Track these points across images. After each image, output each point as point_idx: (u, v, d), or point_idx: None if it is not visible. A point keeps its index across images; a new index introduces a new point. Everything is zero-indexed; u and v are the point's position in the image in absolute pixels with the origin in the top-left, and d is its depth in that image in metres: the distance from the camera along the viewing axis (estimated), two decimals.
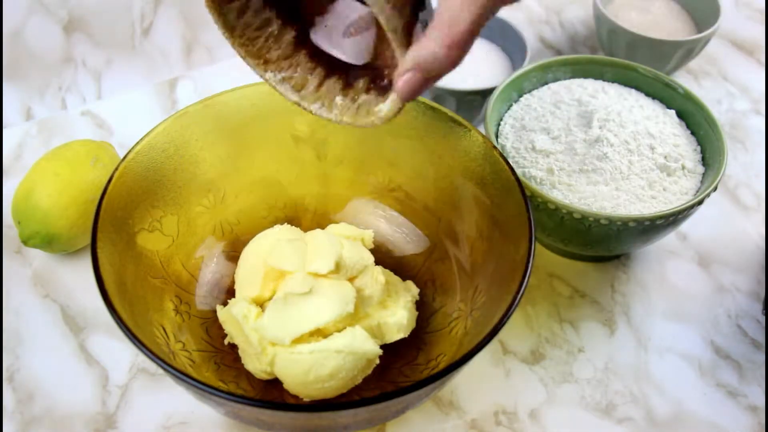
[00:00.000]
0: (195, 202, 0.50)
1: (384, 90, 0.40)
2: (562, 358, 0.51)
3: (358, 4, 0.41)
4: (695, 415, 0.49)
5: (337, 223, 0.52)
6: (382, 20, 0.33)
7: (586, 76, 0.58)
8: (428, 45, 0.34)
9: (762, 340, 0.53)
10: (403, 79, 0.35)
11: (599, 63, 0.58)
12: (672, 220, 0.48)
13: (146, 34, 0.68)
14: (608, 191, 0.50)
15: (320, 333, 0.44)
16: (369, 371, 0.45)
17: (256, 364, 0.44)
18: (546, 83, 0.58)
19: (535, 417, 0.48)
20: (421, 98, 0.49)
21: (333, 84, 0.41)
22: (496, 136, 0.54)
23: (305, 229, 0.50)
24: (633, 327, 0.53)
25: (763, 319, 0.54)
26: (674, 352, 0.52)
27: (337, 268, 0.45)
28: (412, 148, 0.50)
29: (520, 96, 0.57)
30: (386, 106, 0.38)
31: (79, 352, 0.50)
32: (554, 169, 0.51)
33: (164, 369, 0.35)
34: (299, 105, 0.41)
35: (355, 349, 0.43)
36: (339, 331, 0.44)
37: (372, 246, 0.50)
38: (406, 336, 0.47)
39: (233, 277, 0.49)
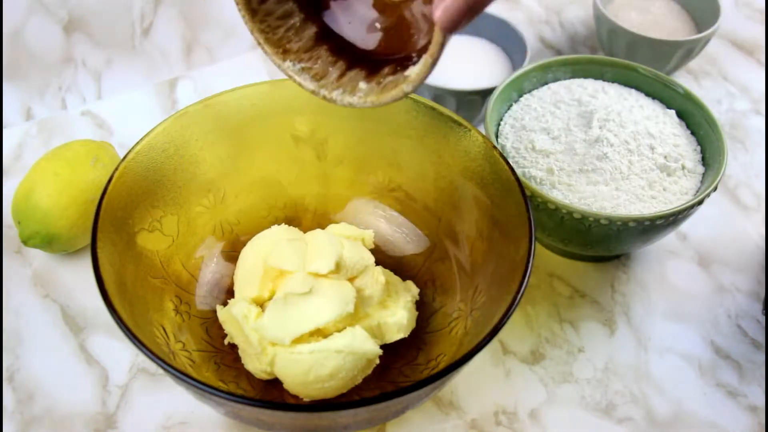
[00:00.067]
0: (195, 202, 0.50)
1: (411, 66, 0.38)
2: (562, 358, 0.51)
3: None
4: (695, 415, 0.49)
5: (337, 223, 0.52)
6: None
7: (586, 76, 0.58)
8: None
9: (762, 340, 0.53)
10: (442, 6, 0.31)
11: (599, 63, 0.58)
12: (672, 220, 0.48)
13: (146, 34, 0.68)
14: (608, 191, 0.50)
15: (320, 333, 0.44)
16: (369, 371, 0.45)
17: (256, 364, 0.44)
18: (546, 83, 0.58)
19: (535, 417, 0.48)
20: (421, 98, 0.49)
21: (356, 74, 0.40)
22: (496, 136, 0.54)
23: (305, 229, 0.50)
24: (633, 327, 0.53)
25: (763, 319, 0.54)
26: (674, 352, 0.52)
27: (338, 268, 0.45)
28: (412, 148, 0.51)
29: (520, 96, 0.57)
30: (416, 68, 0.36)
31: (79, 352, 0.50)
32: (554, 169, 0.51)
33: (164, 369, 0.35)
34: (316, 94, 0.39)
35: (355, 349, 0.43)
36: (339, 331, 0.44)
37: (372, 246, 0.50)
38: (406, 336, 0.47)
39: (233, 277, 0.49)
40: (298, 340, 0.43)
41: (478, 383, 0.49)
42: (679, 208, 0.48)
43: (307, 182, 0.54)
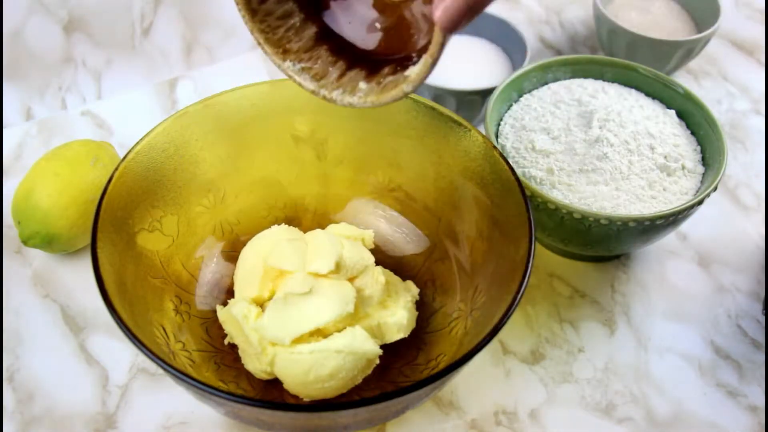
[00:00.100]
0: (195, 202, 0.50)
1: (411, 66, 0.38)
2: (562, 358, 0.51)
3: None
4: (695, 415, 0.49)
5: (337, 223, 0.52)
6: None
7: (586, 76, 0.58)
8: None
9: (762, 340, 0.53)
10: (442, 6, 0.31)
11: (599, 63, 0.58)
12: (672, 220, 0.48)
13: (146, 34, 0.68)
14: (608, 191, 0.50)
15: (320, 333, 0.44)
16: (369, 371, 0.45)
17: (256, 364, 0.44)
18: (546, 83, 0.58)
19: (535, 417, 0.48)
20: (421, 98, 0.49)
21: (356, 74, 0.40)
22: (496, 136, 0.54)
23: (305, 229, 0.50)
24: (633, 327, 0.53)
25: (763, 319, 0.54)
26: (674, 352, 0.52)
27: (338, 268, 0.45)
28: (412, 148, 0.51)
29: (520, 96, 0.57)
30: (416, 68, 0.36)
31: (79, 352, 0.50)
32: (554, 169, 0.51)
33: (164, 369, 0.35)
34: (316, 94, 0.39)
35: (355, 349, 0.43)
36: (339, 331, 0.44)
37: (372, 246, 0.50)
38: (406, 336, 0.47)
39: (233, 277, 0.49)
40: (298, 340, 0.43)
41: (478, 383, 0.49)
42: (679, 208, 0.48)
43: (307, 182, 0.54)
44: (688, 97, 0.55)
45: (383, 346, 0.45)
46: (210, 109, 0.49)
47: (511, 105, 0.56)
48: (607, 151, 0.50)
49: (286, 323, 0.43)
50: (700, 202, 0.49)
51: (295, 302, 0.44)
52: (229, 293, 0.50)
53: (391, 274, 0.50)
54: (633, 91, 0.57)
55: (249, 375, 0.45)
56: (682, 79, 0.73)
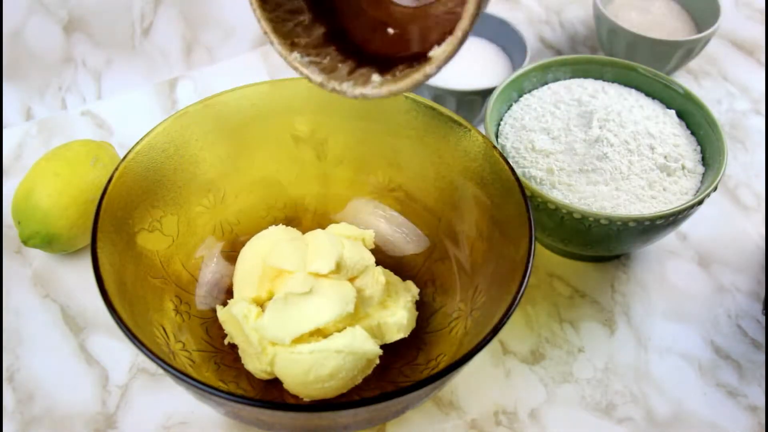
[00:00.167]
0: (195, 202, 0.50)
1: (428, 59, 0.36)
2: (562, 358, 0.51)
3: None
4: (695, 415, 0.49)
5: (337, 223, 0.52)
6: None
7: (586, 76, 0.58)
8: None
9: (762, 340, 0.53)
10: None
11: (599, 63, 0.58)
12: (672, 220, 0.48)
13: (146, 34, 0.68)
14: (608, 191, 0.50)
15: (320, 333, 0.44)
16: (369, 371, 0.45)
17: (256, 364, 0.44)
18: (546, 83, 0.58)
19: (535, 417, 0.48)
20: (421, 98, 0.49)
21: (367, 71, 0.38)
22: (496, 136, 0.54)
23: (305, 229, 0.50)
24: (633, 327, 0.53)
25: (763, 319, 0.54)
26: (674, 352, 0.52)
27: (338, 268, 0.45)
28: (412, 148, 0.51)
29: (520, 96, 0.57)
30: (443, 47, 0.33)
31: (79, 352, 0.50)
32: (554, 169, 0.51)
33: (164, 369, 0.35)
34: (324, 86, 0.37)
35: (355, 349, 0.43)
36: (339, 331, 0.44)
37: (372, 246, 0.50)
38: (406, 336, 0.47)
39: (233, 278, 0.49)
40: (298, 339, 0.43)
41: (478, 383, 0.49)
42: (679, 208, 0.48)
43: (307, 182, 0.54)
44: (688, 97, 0.55)
45: (383, 346, 0.45)
46: (210, 109, 0.49)
47: (511, 105, 0.56)
48: (607, 151, 0.50)
49: (286, 323, 0.43)
50: (700, 202, 0.49)
51: (296, 302, 0.44)
52: (229, 293, 0.50)
53: (391, 274, 0.50)
54: (633, 91, 0.57)
55: (249, 375, 0.45)
56: (682, 79, 0.73)
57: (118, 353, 0.49)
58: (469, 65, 0.64)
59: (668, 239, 0.58)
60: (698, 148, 0.54)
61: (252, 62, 0.72)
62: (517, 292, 0.39)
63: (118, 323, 0.37)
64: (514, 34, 0.65)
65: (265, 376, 0.45)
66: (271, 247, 0.47)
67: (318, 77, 0.37)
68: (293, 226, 0.53)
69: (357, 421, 0.38)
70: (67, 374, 0.49)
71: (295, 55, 0.38)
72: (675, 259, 0.58)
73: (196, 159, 0.49)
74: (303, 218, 0.54)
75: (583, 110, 0.53)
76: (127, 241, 0.44)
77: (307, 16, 0.39)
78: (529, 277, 0.40)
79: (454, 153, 0.48)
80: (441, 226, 0.51)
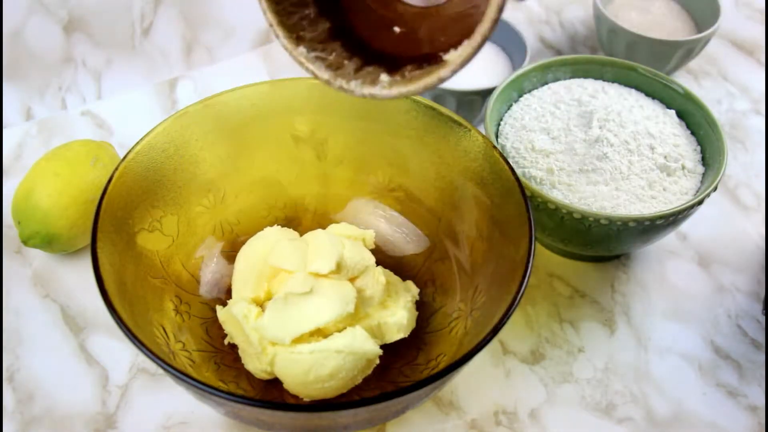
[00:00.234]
0: (195, 202, 0.50)
1: (442, 60, 0.35)
2: (562, 358, 0.51)
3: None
4: (695, 415, 0.49)
5: (337, 223, 0.52)
6: None
7: (586, 76, 0.58)
8: None
9: (762, 340, 0.53)
10: None
11: (599, 63, 0.58)
12: (672, 220, 0.48)
13: (146, 34, 0.68)
14: (608, 191, 0.50)
15: (320, 333, 0.44)
16: (369, 371, 0.45)
17: (256, 363, 0.44)
18: (546, 83, 0.58)
19: (535, 417, 0.48)
20: (421, 98, 0.49)
21: (374, 69, 0.37)
22: (496, 136, 0.54)
23: (305, 229, 0.50)
24: (633, 327, 0.53)
25: (763, 319, 0.54)
26: (674, 352, 0.52)
27: (338, 268, 0.45)
28: (412, 148, 0.51)
29: (520, 96, 0.57)
30: (459, 51, 0.33)
31: (79, 352, 0.50)
32: (554, 169, 0.51)
33: (164, 369, 0.35)
34: (331, 84, 0.36)
35: (355, 349, 0.43)
36: (339, 331, 0.44)
37: (373, 246, 0.50)
38: (406, 336, 0.47)
39: (232, 278, 0.49)
40: (299, 339, 0.43)
41: (478, 383, 0.49)
42: (679, 208, 0.48)
43: (307, 182, 0.54)
44: (688, 97, 0.55)
45: (383, 346, 0.45)
46: (210, 109, 0.49)
47: (511, 105, 0.56)
48: (607, 151, 0.50)
49: (286, 323, 0.43)
50: (700, 202, 0.49)
51: (296, 302, 0.44)
52: (229, 293, 0.50)
53: (391, 274, 0.50)
54: (633, 91, 0.57)
55: (249, 375, 0.45)
56: (682, 79, 0.73)
57: (118, 353, 0.49)
58: (469, 65, 0.64)
59: (668, 239, 0.58)
60: (698, 148, 0.54)
61: (252, 62, 0.72)
62: (517, 292, 0.39)
63: (118, 323, 0.37)
64: (514, 34, 0.65)
65: (265, 376, 0.45)
66: (269, 248, 0.47)
67: (324, 74, 0.36)
68: (293, 226, 0.53)
69: (357, 421, 0.38)
70: (67, 374, 0.49)
71: (302, 49, 0.37)
72: (675, 259, 0.58)
73: (196, 159, 0.49)
74: (303, 218, 0.54)
75: (583, 110, 0.53)
76: (127, 241, 0.44)
77: (312, 10, 0.38)
78: (529, 277, 0.40)
79: (454, 153, 0.48)
80: (441, 226, 0.51)
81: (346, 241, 0.47)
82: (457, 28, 0.38)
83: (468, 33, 0.35)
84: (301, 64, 0.37)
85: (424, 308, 0.49)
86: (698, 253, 0.58)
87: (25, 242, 0.51)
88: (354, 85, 0.35)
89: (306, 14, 0.38)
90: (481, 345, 0.37)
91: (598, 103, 0.53)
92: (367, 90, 0.35)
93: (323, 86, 0.38)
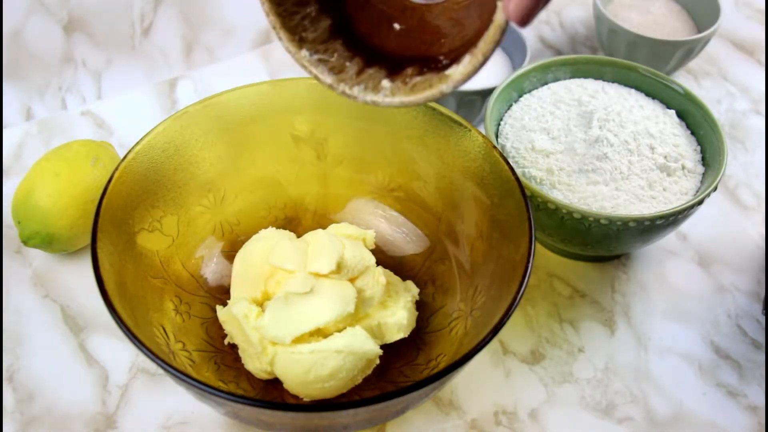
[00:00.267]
0: (195, 202, 0.50)
1: (445, 68, 0.36)
2: (562, 358, 0.51)
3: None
4: (695, 415, 0.49)
5: (337, 223, 0.52)
6: None
7: (586, 76, 0.58)
8: None
9: (762, 340, 0.53)
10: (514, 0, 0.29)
11: (599, 63, 0.58)
12: (672, 220, 0.48)
13: (146, 34, 0.68)
14: (608, 191, 0.50)
15: (320, 333, 0.44)
16: (369, 371, 0.45)
17: (256, 363, 0.44)
18: (546, 83, 0.58)
19: (535, 417, 0.48)
20: None
21: (375, 72, 0.37)
22: (496, 136, 0.54)
23: (305, 229, 0.50)
24: (633, 327, 0.53)
25: (763, 319, 0.54)
26: (674, 352, 0.52)
27: (339, 268, 0.45)
28: (412, 148, 0.51)
29: (520, 96, 0.57)
30: (462, 66, 0.34)
31: (79, 352, 0.50)
32: (554, 169, 0.51)
33: (164, 369, 0.35)
34: (334, 89, 0.37)
35: (355, 349, 0.43)
36: (339, 331, 0.44)
37: (373, 246, 0.50)
38: (406, 336, 0.47)
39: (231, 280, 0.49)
40: (299, 339, 0.43)
41: (478, 383, 0.49)
42: (679, 208, 0.48)
43: (307, 182, 0.54)
44: (688, 97, 0.55)
45: (383, 346, 0.45)
46: (210, 109, 0.49)
47: (511, 105, 0.56)
48: (607, 151, 0.50)
49: (286, 323, 0.43)
50: (700, 202, 0.49)
51: (296, 302, 0.44)
52: (229, 293, 0.50)
53: (391, 274, 0.50)
54: (633, 91, 0.57)
55: (249, 375, 0.45)
56: (682, 79, 0.73)
57: (118, 353, 0.49)
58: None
59: (668, 239, 0.58)
60: (698, 148, 0.54)
61: (252, 62, 0.72)
62: (517, 292, 0.39)
63: (118, 323, 0.37)
64: (514, 34, 0.65)
65: (265, 376, 0.45)
66: (266, 250, 0.47)
67: (328, 78, 0.37)
68: (293, 226, 0.53)
69: (357, 421, 0.38)
70: (67, 374, 0.49)
71: (304, 53, 0.37)
72: (675, 259, 0.58)
73: (196, 159, 0.49)
74: (303, 218, 0.54)
75: (583, 110, 0.53)
76: (127, 241, 0.44)
77: (314, 8, 0.38)
78: (529, 277, 0.40)
79: (454, 153, 0.48)
80: (441, 226, 0.51)
81: (346, 241, 0.47)
82: (457, 31, 0.38)
83: (468, 37, 0.35)
84: (304, 67, 0.37)
85: (424, 308, 0.49)
86: (698, 253, 0.58)
87: (25, 242, 0.51)
88: (357, 90, 0.36)
89: (308, 12, 0.38)
90: (481, 345, 0.37)
91: (598, 103, 0.53)
92: (370, 97, 0.36)
93: (323, 86, 0.38)
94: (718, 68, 0.75)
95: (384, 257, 0.52)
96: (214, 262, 0.51)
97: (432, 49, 0.38)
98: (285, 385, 0.44)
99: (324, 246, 0.46)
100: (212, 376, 0.45)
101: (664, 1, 0.72)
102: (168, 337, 0.44)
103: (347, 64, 0.38)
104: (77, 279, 0.54)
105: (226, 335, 0.47)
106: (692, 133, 0.54)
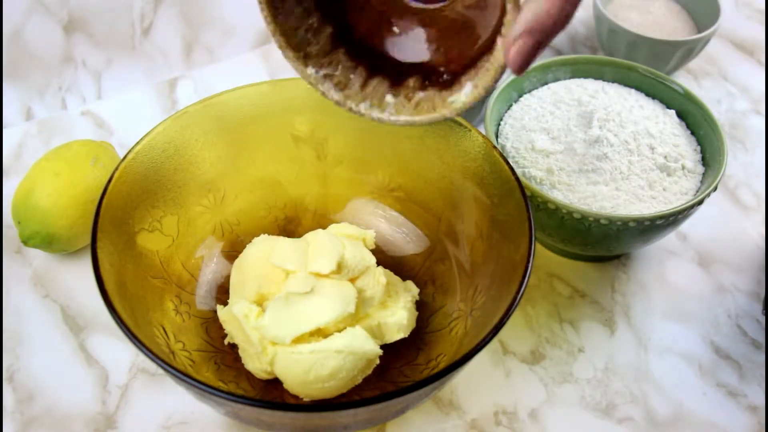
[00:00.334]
0: (195, 202, 0.50)
1: (445, 84, 0.37)
2: (562, 358, 0.51)
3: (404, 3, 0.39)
4: (695, 415, 0.49)
5: (337, 222, 0.52)
6: None
7: (586, 76, 0.58)
8: (538, 4, 0.31)
9: (762, 340, 0.53)
10: (517, 46, 0.32)
11: (599, 63, 0.58)
12: (672, 220, 0.48)
13: (146, 34, 0.68)
14: (608, 191, 0.50)
15: (320, 333, 0.44)
16: (369, 371, 0.45)
17: (256, 363, 0.44)
18: (546, 83, 0.58)
19: (535, 417, 0.48)
20: None
21: (378, 83, 0.39)
22: (496, 136, 0.54)
23: (305, 229, 0.50)
24: (633, 327, 0.53)
25: (763, 319, 0.54)
26: (674, 352, 0.52)
27: (339, 268, 0.45)
28: (412, 148, 0.50)
29: (520, 96, 0.57)
30: (464, 95, 0.35)
31: (79, 352, 0.50)
32: (554, 169, 0.51)
33: (164, 369, 0.35)
34: (342, 105, 0.38)
35: (355, 349, 0.43)
36: (339, 331, 0.44)
37: (373, 246, 0.50)
38: (406, 336, 0.47)
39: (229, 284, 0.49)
40: (299, 339, 0.43)
41: (478, 383, 0.49)
42: (679, 208, 0.48)
43: (307, 182, 0.54)
44: (688, 97, 0.55)
45: (383, 346, 0.45)
46: (210, 109, 0.49)
47: (511, 105, 0.56)
48: (607, 151, 0.50)
49: (286, 323, 0.43)
50: (700, 202, 0.49)
51: (296, 302, 0.44)
52: (229, 293, 0.50)
53: (391, 274, 0.50)
54: (633, 91, 0.57)
55: (249, 375, 0.45)
56: (682, 79, 0.73)
57: (118, 353, 0.49)
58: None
59: (668, 239, 0.58)
60: (698, 148, 0.54)
61: (252, 62, 0.72)
62: (517, 292, 0.39)
63: (118, 323, 0.37)
64: None
65: (265, 376, 0.45)
66: (263, 252, 0.47)
67: (335, 95, 0.39)
68: (293, 226, 0.53)
69: (357, 421, 0.38)
70: (67, 374, 0.49)
71: (311, 70, 0.39)
72: (675, 259, 0.58)
73: (196, 159, 0.49)
74: (303, 218, 0.54)
75: (583, 110, 0.53)
76: (127, 241, 0.44)
77: (316, 17, 0.39)
78: (529, 277, 0.40)
79: (454, 153, 0.48)
80: (441, 226, 0.51)
81: (346, 242, 0.47)
82: (457, 41, 0.38)
83: (467, 52, 0.37)
84: (312, 85, 0.39)
85: (424, 308, 0.49)
86: (698, 253, 0.58)
87: (25, 242, 0.51)
88: (363, 107, 0.38)
89: (310, 24, 0.39)
90: (481, 345, 0.37)
91: (598, 103, 0.53)
92: (376, 114, 0.38)
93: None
94: (718, 68, 0.75)
95: (384, 257, 0.52)
96: (214, 262, 0.51)
97: (433, 58, 0.39)
98: (285, 385, 0.44)
99: (324, 246, 0.46)
100: (212, 376, 0.45)
101: (664, 1, 0.72)
102: (168, 337, 0.44)
103: (351, 76, 0.39)
104: (77, 279, 0.54)
105: (226, 335, 0.47)
106: (692, 133, 0.54)
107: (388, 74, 0.39)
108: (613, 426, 0.48)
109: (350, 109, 0.38)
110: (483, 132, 0.49)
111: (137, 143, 0.45)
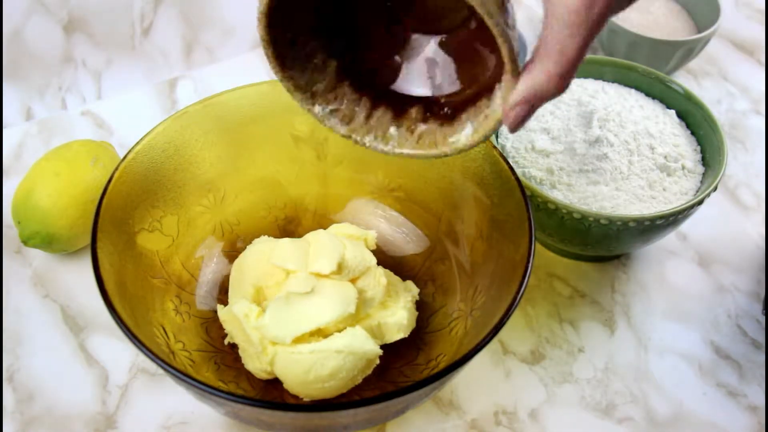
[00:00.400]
0: (195, 202, 0.50)
1: (446, 118, 0.39)
2: (562, 358, 0.51)
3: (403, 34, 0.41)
4: (695, 415, 0.49)
5: (337, 223, 0.52)
6: (504, 50, 0.33)
7: (586, 76, 0.58)
8: (540, 76, 0.33)
9: (762, 340, 0.53)
10: (514, 112, 0.34)
11: (599, 63, 0.58)
12: (672, 220, 0.48)
13: (146, 34, 0.68)
14: (608, 191, 0.50)
15: (321, 333, 0.44)
16: (369, 371, 0.45)
17: (256, 363, 0.44)
18: None
19: (535, 417, 0.48)
20: None
21: (382, 114, 0.40)
22: (496, 136, 0.54)
23: (305, 229, 0.50)
24: (633, 327, 0.53)
25: (763, 319, 0.54)
26: (674, 352, 0.52)
27: (340, 268, 0.45)
28: None
29: None
30: (464, 137, 0.37)
31: (79, 352, 0.50)
32: (554, 169, 0.51)
33: (164, 369, 0.35)
34: (350, 138, 0.40)
35: (355, 349, 0.43)
36: (339, 331, 0.44)
37: (374, 247, 0.50)
38: (406, 336, 0.47)
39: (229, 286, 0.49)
40: (299, 339, 0.43)
41: (478, 383, 0.49)
42: (679, 208, 0.48)
43: (307, 182, 0.54)
44: (688, 97, 0.55)
45: (383, 346, 0.45)
46: (210, 109, 0.49)
47: None
48: (607, 151, 0.50)
49: (287, 323, 0.43)
50: (700, 202, 0.49)
51: (297, 302, 0.44)
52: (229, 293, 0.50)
53: (392, 274, 0.50)
54: (633, 91, 0.57)
55: (249, 375, 0.45)
56: (682, 79, 0.73)
57: (118, 353, 0.49)
58: None
59: (668, 239, 0.58)
60: (698, 148, 0.54)
61: (252, 62, 0.72)
62: (517, 292, 0.39)
63: (118, 323, 0.37)
64: None
65: (265, 376, 0.45)
66: (262, 254, 0.47)
67: (341, 129, 0.40)
68: (293, 226, 0.53)
69: (357, 421, 0.38)
70: (67, 374, 0.49)
71: (318, 108, 0.40)
72: (675, 259, 0.58)
73: (196, 159, 0.49)
74: (303, 218, 0.54)
75: (583, 110, 0.53)
76: (127, 241, 0.44)
77: (321, 56, 0.40)
78: (529, 277, 0.40)
79: None
80: (441, 226, 0.51)
81: (347, 242, 0.47)
82: (458, 73, 0.40)
83: (465, 90, 0.39)
84: (320, 122, 0.40)
85: (424, 308, 0.49)
86: (698, 253, 0.58)
87: (25, 242, 0.51)
88: (369, 140, 0.40)
89: (315, 63, 0.40)
90: (481, 345, 0.37)
91: (598, 103, 0.53)
92: (381, 147, 0.40)
93: None
94: (718, 68, 0.75)
95: (384, 257, 0.52)
96: (214, 262, 0.51)
97: (433, 89, 0.40)
98: (285, 385, 0.44)
99: (325, 246, 0.46)
100: (212, 376, 0.45)
101: (664, 1, 0.72)
102: (168, 337, 0.44)
103: (356, 108, 0.40)
104: (77, 279, 0.54)
105: (226, 335, 0.47)
106: (692, 133, 0.54)
107: (391, 104, 0.41)
108: (613, 426, 0.48)
109: (356, 142, 0.40)
110: None
111: (137, 143, 0.45)
